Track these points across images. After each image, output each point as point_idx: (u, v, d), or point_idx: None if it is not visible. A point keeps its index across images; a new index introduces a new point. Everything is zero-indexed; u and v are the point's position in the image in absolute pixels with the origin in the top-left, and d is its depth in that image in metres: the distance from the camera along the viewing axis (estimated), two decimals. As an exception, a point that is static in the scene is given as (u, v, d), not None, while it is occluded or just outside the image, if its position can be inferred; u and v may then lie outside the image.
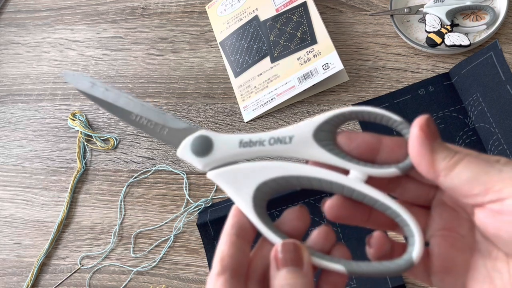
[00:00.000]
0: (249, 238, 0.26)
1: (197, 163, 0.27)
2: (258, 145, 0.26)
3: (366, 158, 0.26)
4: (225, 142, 0.27)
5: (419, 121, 0.25)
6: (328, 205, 0.27)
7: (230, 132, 0.66)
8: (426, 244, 0.26)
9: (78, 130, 0.72)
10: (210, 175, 0.27)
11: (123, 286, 0.62)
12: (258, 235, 0.27)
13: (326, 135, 0.26)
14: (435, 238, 0.27)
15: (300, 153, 0.26)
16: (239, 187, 0.26)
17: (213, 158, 0.27)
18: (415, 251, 0.24)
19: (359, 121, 0.61)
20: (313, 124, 0.26)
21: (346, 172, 0.26)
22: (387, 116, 0.26)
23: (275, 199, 0.59)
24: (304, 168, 0.26)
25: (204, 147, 0.27)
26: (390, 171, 0.25)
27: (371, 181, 0.26)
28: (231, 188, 0.26)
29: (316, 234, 0.26)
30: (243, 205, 0.26)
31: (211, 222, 0.60)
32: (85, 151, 0.71)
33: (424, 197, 0.28)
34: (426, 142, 0.24)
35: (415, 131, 0.25)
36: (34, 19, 0.84)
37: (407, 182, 0.27)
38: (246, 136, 0.27)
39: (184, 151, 0.27)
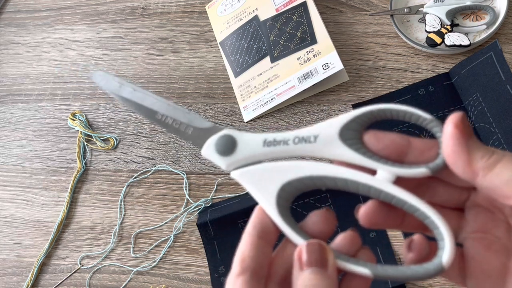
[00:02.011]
0: (272, 239, 0.26)
1: (221, 162, 0.27)
2: (282, 145, 0.26)
3: (394, 159, 0.25)
4: (249, 141, 0.26)
5: (453, 118, 0.23)
6: (363, 212, 0.26)
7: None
8: (459, 245, 0.25)
9: (78, 130, 0.72)
10: (234, 174, 0.26)
11: (123, 286, 0.62)
12: (281, 236, 0.26)
13: (353, 134, 0.25)
14: (470, 240, 0.26)
15: (325, 153, 0.25)
16: (263, 187, 0.25)
17: (237, 158, 0.26)
18: (445, 255, 0.23)
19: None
20: (339, 122, 0.25)
21: (373, 172, 0.25)
22: (417, 114, 0.24)
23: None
24: (329, 168, 0.25)
25: (228, 147, 0.26)
26: (420, 171, 0.24)
27: (399, 182, 0.25)
28: (255, 188, 0.26)
29: (341, 238, 0.25)
30: (267, 205, 0.25)
31: (211, 222, 0.60)
32: (85, 151, 0.71)
33: (455, 199, 0.27)
34: (461, 140, 0.23)
35: (449, 129, 0.23)
36: (34, 19, 0.84)
37: (437, 185, 0.26)
38: (270, 135, 0.26)
39: (208, 150, 0.27)
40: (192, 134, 0.28)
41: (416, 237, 0.25)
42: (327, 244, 0.25)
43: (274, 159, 0.26)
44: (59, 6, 0.84)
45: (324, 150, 0.25)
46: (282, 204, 0.25)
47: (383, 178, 0.24)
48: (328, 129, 0.25)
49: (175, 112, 0.28)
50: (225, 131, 0.27)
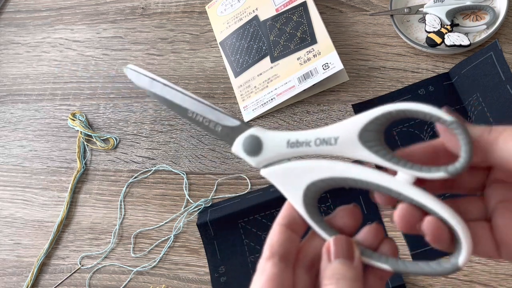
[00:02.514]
0: (299, 229, 0.27)
1: (250, 161, 0.28)
2: (304, 146, 0.27)
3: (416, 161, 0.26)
4: (274, 141, 0.28)
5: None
6: (398, 217, 0.26)
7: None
8: (489, 220, 0.26)
9: (78, 130, 0.72)
10: (263, 172, 0.28)
11: (123, 286, 0.62)
12: (308, 227, 0.28)
13: (372, 135, 0.26)
14: (496, 212, 0.27)
15: (346, 154, 0.26)
16: (290, 186, 0.27)
17: (264, 157, 0.28)
18: (462, 256, 0.24)
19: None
20: (359, 124, 0.26)
21: (394, 172, 0.26)
22: (437, 115, 0.24)
23: (275, 198, 0.59)
24: (351, 169, 0.26)
25: (254, 147, 0.28)
26: (439, 174, 0.25)
27: (420, 180, 0.25)
28: (283, 186, 0.27)
29: (366, 231, 0.27)
30: (295, 203, 0.27)
31: (211, 222, 0.60)
32: (85, 151, 0.71)
33: (476, 181, 0.28)
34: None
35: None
36: (34, 19, 0.84)
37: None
38: (293, 136, 0.27)
39: (237, 149, 0.29)
40: (221, 132, 0.29)
41: (429, 218, 0.25)
42: (353, 238, 0.27)
43: (298, 157, 0.28)
44: (59, 6, 0.84)
45: (345, 152, 0.26)
46: (308, 202, 0.27)
47: (403, 179, 0.25)
48: (348, 131, 0.26)
49: (204, 109, 0.29)
50: (251, 131, 0.28)
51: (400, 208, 0.26)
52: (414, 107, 0.24)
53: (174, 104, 0.30)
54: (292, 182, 0.27)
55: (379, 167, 0.26)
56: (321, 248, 0.27)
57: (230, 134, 0.29)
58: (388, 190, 0.25)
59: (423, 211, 0.25)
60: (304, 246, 0.27)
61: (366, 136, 0.26)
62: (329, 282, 0.25)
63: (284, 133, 0.27)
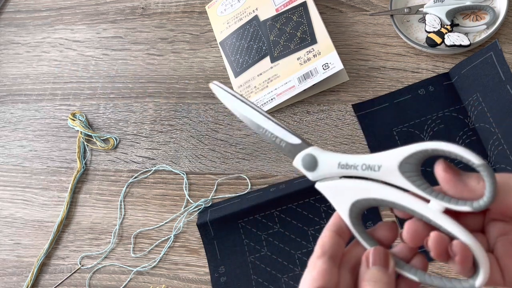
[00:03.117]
0: (345, 236, 0.32)
1: (307, 175, 0.33)
2: (352, 169, 0.32)
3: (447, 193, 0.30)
4: (327, 161, 0.32)
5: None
6: (407, 230, 0.30)
7: (231, 132, 0.66)
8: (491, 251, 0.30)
9: (78, 130, 0.72)
10: (318, 186, 0.33)
11: (123, 286, 0.62)
12: (352, 236, 0.32)
13: (410, 167, 0.30)
14: (496, 245, 0.30)
15: (387, 180, 0.31)
16: (340, 200, 0.32)
17: (318, 173, 0.33)
18: (479, 279, 0.28)
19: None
20: (399, 157, 0.30)
21: (427, 200, 0.29)
22: (468, 157, 0.28)
23: (275, 198, 0.59)
24: (390, 193, 0.30)
25: (311, 164, 0.33)
26: (464, 208, 0.29)
27: (448, 210, 0.29)
28: (333, 200, 0.32)
29: (402, 245, 0.31)
30: (342, 215, 0.32)
31: (211, 222, 0.60)
32: (85, 151, 0.71)
33: (478, 221, 0.32)
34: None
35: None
36: (34, 19, 0.84)
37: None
38: (344, 159, 0.32)
39: (297, 164, 0.33)
40: (285, 147, 0.34)
41: (456, 242, 0.29)
42: (390, 249, 0.31)
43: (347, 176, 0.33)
44: (59, 6, 0.84)
45: (386, 178, 0.31)
46: (353, 216, 0.32)
47: (434, 208, 0.29)
48: (389, 161, 0.30)
49: (273, 127, 0.34)
50: (309, 150, 0.33)
51: (409, 223, 0.30)
52: (447, 148, 0.28)
53: (249, 120, 0.35)
54: (341, 197, 0.32)
55: (414, 194, 0.30)
56: (362, 255, 0.31)
57: (292, 150, 0.34)
58: (421, 216, 0.29)
59: (430, 227, 0.29)
60: (348, 251, 0.32)
61: (404, 167, 0.30)
62: (367, 284, 0.29)
63: (336, 155, 0.32)
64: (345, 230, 0.32)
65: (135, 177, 0.67)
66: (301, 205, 0.59)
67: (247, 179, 0.63)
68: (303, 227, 0.59)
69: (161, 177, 0.67)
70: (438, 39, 0.61)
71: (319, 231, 0.58)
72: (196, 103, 0.70)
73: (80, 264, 0.64)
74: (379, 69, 0.64)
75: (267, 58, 0.68)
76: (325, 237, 0.31)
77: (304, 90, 0.64)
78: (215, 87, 0.36)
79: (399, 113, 0.61)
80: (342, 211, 0.32)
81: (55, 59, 0.79)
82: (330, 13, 0.69)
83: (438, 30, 0.62)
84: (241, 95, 0.35)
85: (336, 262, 0.30)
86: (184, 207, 0.64)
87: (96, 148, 0.71)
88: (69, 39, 0.80)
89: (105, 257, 0.64)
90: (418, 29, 0.65)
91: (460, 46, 0.60)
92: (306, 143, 0.34)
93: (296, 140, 0.34)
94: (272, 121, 0.34)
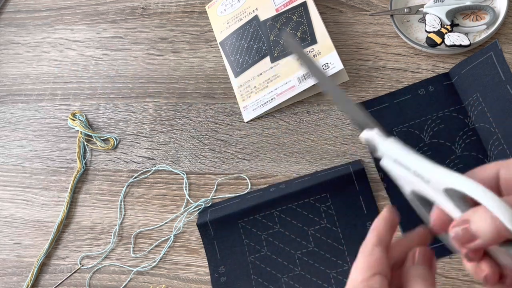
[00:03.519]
0: (393, 232, 0.34)
1: (378, 149, 0.36)
2: (404, 169, 0.34)
3: None
4: (384, 153, 0.35)
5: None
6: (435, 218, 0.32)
7: (231, 132, 0.66)
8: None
9: (78, 130, 0.72)
10: (381, 163, 0.35)
11: (123, 286, 0.62)
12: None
13: (455, 193, 0.31)
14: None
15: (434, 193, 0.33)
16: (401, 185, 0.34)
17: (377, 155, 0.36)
18: None
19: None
20: (442, 185, 0.31)
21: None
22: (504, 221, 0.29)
23: (275, 198, 0.59)
24: (441, 200, 0.32)
25: (372, 147, 0.36)
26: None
27: None
28: (398, 182, 0.34)
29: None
30: (406, 194, 0.34)
31: (211, 222, 0.60)
32: (85, 151, 0.71)
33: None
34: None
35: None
36: (34, 19, 0.84)
37: None
38: (399, 157, 0.34)
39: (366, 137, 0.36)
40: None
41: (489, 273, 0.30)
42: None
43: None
44: (59, 6, 0.84)
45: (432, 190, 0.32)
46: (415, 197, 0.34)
47: None
48: (437, 184, 0.32)
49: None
50: (373, 134, 0.36)
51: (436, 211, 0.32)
52: (487, 204, 0.29)
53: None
54: (403, 182, 0.34)
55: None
56: (401, 253, 0.34)
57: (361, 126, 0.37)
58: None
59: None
60: (391, 248, 0.34)
61: (450, 192, 0.31)
62: (413, 279, 0.31)
63: (393, 151, 0.34)
64: (395, 224, 0.34)
65: (135, 177, 0.67)
66: (301, 205, 0.59)
67: (247, 179, 0.63)
68: (303, 227, 0.59)
69: (161, 177, 0.67)
70: (438, 39, 0.61)
71: (319, 231, 0.58)
72: (196, 103, 0.70)
73: (80, 264, 0.64)
74: (379, 69, 0.64)
75: (267, 58, 0.68)
76: (380, 226, 0.34)
77: (304, 90, 0.64)
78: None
79: (399, 113, 0.61)
80: (407, 192, 0.34)
81: (55, 59, 0.79)
82: (330, 13, 0.69)
83: (438, 30, 0.62)
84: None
85: (387, 253, 0.32)
86: (184, 207, 0.64)
87: (96, 148, 0.71)
88: (69, 39, 0.80)
89: (105, 257, 0.64)
90: (418, 29, 0.65)
91: (460, 46, 0.60)
92: (374, 123, 0.36)
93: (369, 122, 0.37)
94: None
